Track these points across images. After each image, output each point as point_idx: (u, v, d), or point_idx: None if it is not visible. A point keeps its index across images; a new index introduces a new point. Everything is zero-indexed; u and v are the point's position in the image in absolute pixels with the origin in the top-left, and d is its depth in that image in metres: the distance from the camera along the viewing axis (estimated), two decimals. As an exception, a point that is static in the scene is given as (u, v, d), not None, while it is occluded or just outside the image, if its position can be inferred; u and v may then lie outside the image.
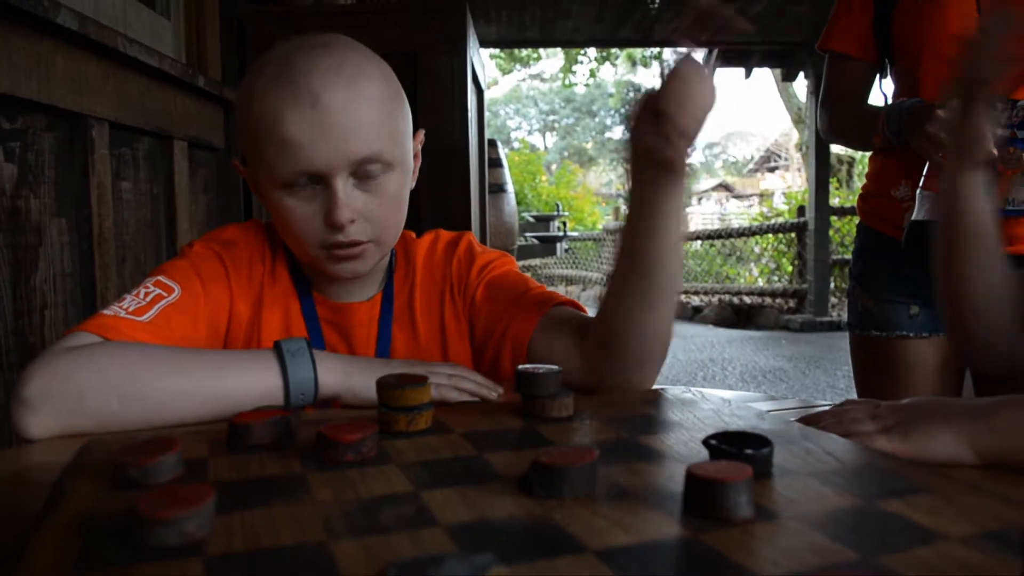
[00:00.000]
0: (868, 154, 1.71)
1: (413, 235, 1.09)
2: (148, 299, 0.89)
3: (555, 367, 0.73)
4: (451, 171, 2.58)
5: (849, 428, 0.69)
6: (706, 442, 0.55)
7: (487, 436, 0.66)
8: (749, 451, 0.54)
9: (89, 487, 0.54)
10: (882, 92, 1.67)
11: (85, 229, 1.64)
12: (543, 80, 34.72)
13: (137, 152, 1.92)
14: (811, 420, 0.73)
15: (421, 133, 1.02)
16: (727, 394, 0.83)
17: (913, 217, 1.43)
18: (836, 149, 9.45)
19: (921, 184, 1.42)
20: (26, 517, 0.51)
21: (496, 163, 4.32)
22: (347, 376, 0.84)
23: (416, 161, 1.01)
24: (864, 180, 1.74)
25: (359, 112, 0.87)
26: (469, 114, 2.62)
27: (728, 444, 0.55)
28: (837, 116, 1.68)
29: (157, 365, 0.80)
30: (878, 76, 1.66)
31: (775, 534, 0.44)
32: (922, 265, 1.31)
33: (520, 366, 0.73)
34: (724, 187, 27.68)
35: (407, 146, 0.97)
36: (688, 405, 0.76)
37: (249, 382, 0.80)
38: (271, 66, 0.89)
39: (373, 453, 0.60)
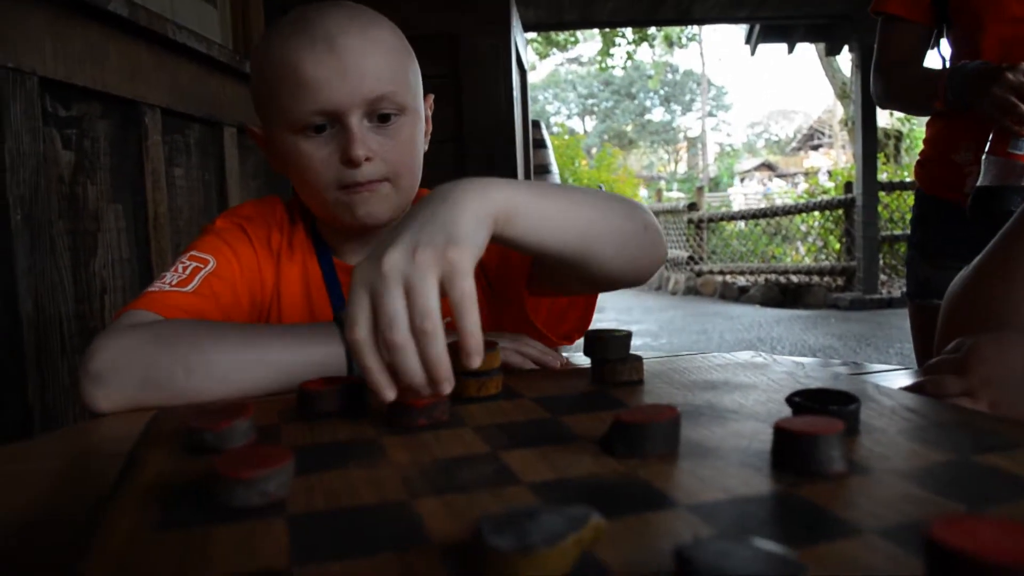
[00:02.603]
0: (914, 128, 1.66)
1: None
2: (188, 272, 0.92)
3: (625, 330, 0.71)
4: (496, 151, 2.57)
5: (932, 391, 0.66)
6: (790, 399, 0.54)
7: (559, 400, 0.65)
8: (835, 407, 0.52)
9: (163, 454, 0.55)
10: (940, 55, 1.62)
11: (141, 215, 1.66)
12: (581, 64, 34.58)
13: (188, 138, 1.94)
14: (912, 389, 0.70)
15: (431, 97, 1.05)
16: (799, 359, 0.81)
17: (979, 183, 1.38)
18: (883, 123, 9.27)
19: (987, 149, 1.38)
20: (100, 488, 0.51)
21: (540, 144, 4.31)
22: None
23: (428, 125, 1.03)
24: (920, 148, 1.69)
25: (373, 54, 0.91)
26: (514, 95, 2.61)
27: (812, 401, 0.53)
28: (893, 81, 1.63)
29: (221, 337, 0.81)
30: (933, 38, 1.61)
31: (871, 487, 0.43)
32: (985, 229, 1.27)
33: (589, 329, 0.72)
34: (767, 166, 27.37)
35: (419, 98, 0.99)
36: (760, 368, 0.74)
37: (311, 349, 0.81)
38: (285, 24, 0.93)
39: (446, 417, 0.59)
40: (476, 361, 0.57)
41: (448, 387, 0.57)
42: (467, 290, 0.58)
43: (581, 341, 0.81)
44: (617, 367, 0.70)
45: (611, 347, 0.70)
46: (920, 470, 0.45)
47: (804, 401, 0.53)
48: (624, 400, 0.64)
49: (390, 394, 0.58)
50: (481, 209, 0.64)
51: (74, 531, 0.47)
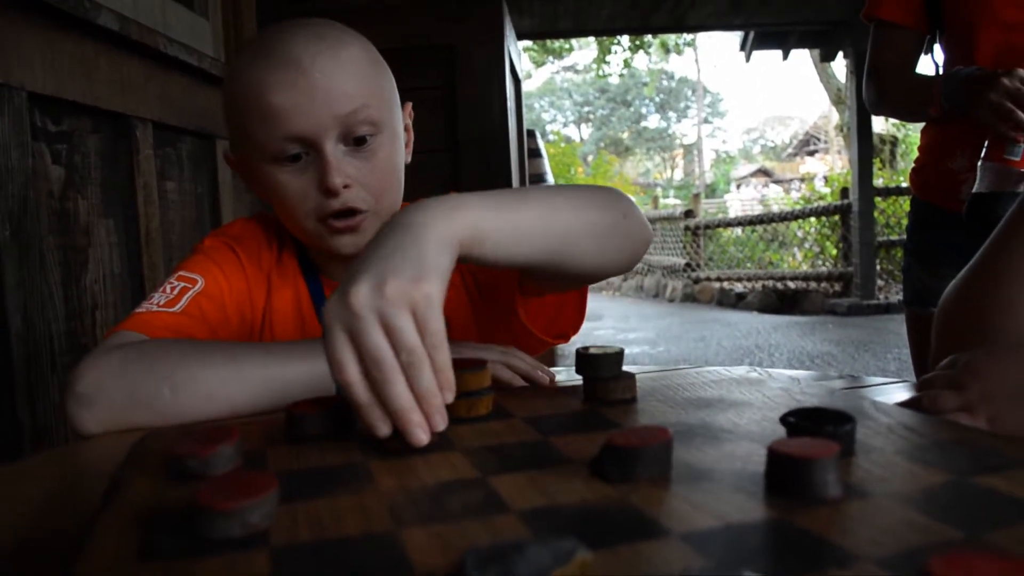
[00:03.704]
0: (910, 134, 1.66)
1: None
2: (175, 292, 0.91)
3: (617, 348, 0.70)
4: (492, 162, 2.56)
5: (928, 407, 0.65)
6: (784, 419, 0.53)
7: (550, 420, 0.64)
8: (830, 428, 0.51)
9: (147, 479, 0.53)
10: (933, 61, 1.61)
11: (132, 230, 1.65)
12: (576, 72, 34.65)
13: (180, 152, 1.93)
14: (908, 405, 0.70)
15: (409, 106, 1.02)
16: (794, 373, 0.80)
17: (975, 189, 1.38)
18: (878, 128, 9.29)
19: (983, 155, 1.37)
20: (86, 512, 0.50)
21: (535, 153, 4.30)
22: None
23: (408, 135, 1.02)
24: (916, 154, 1.68)
25: (341, 72, 0.88)
26: (508, 104, 2.60)
27: (807, 421, 0.52)
28: (886, 87, 1.62)
29: (206, 354, 0.80)
30: (926, 44, 1.61)
31: (870, 513, 0.42)
32: (981, 236, 1.27)
33: (580, 348, 0.71)
34: (763, 172, 27.41)
35: (395, 112, 0.96)
36: (755, 384, 0.73)
37: (299, 366, 0.79)
38: (249, 49, 0.91)
39: (435, 439, 0.58)
40: (449, 397, 0.58)
41: (442, 423, 0.57)
42: (438, 328, 0.58)
43: (573, 359, 0.80)
44: (609, 385, 0.68)
45: (603, 365, 0.69)
46: (918, 493, 0.44)
47: (799, 421, 0.52)
48: (617, 419, 0.63)
49: (386, 429, 0.57)
50: (445, 233, 0.63)
51: (68, 548, 0.46)
